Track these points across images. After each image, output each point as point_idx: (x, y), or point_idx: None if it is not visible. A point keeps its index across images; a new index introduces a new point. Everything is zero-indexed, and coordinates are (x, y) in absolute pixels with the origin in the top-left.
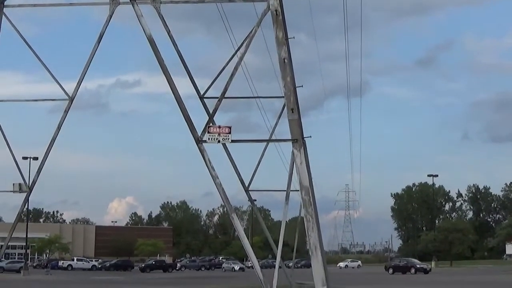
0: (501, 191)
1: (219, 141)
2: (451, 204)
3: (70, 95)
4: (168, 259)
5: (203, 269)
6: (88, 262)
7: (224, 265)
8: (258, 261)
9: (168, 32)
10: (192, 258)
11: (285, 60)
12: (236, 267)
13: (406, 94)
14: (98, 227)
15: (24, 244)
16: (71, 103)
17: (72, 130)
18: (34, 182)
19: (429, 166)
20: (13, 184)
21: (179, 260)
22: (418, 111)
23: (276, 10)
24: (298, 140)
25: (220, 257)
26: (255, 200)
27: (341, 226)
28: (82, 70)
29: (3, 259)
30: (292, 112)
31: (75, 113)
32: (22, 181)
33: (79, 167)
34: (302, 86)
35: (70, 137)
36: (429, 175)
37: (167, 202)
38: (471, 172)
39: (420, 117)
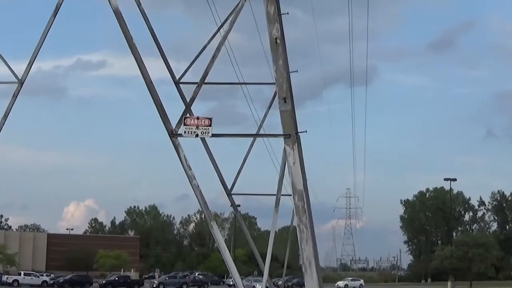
0: None
1: (197, 135)
2: (471, 213)
3: (20, 78)
4: (134, 275)
5: (185, 287)
6: (38, 277)
7: (245, 282)
8: (242, 279)
9: (139, 5)
10: (173, 273)
11: (277, 40)
12: (258, 286)
13: (419, 82)
14: (51, 235)
15: None
16: (21, 87)
17: (21, 119)
18: None
19: (446, 168)
20: None
21: (146, 276)
22: (433, 102)
23: None
24: (291, 135)
25: (196, 273)
26: (239, 206)
27: (340, 238)
28: (34, 48)
29: None
30: (285, 102)
31: (25, 98)
32: None
33: (28, 163)
34: (297, 71)
35: (18, 128)
36: (445, 179)
37: (134, 206)
38: (496, 176)
39: (436, 110)
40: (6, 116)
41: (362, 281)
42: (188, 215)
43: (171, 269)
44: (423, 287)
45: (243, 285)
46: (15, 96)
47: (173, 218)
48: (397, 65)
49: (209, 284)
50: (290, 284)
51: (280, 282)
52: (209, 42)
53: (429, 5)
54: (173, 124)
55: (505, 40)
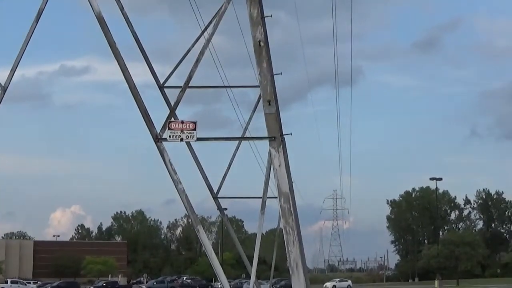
0: None
1: (182, 139)
2: (457, 212)
3: (3, 85)
4: (121, 280)
5: None
6: (25, 284)
7: (244, 286)
8: (229, 282)
9: (121, 9)
10: (161, 278)
11: (261, 43)
12: None
13: (404, 82)
14: (37, 243)
15: None
16: (4, 94)
17: (6, 126)
18: None
19: (432, 168)
20: None
21: (134, 282)
22: (419, 102)
23: None
24: (276, 138)
25: (184, 277)
26: (226, 209)
27: (328, 239)
28: (17, 54)
29: None
30: (269, 104)
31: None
32: None
33: (14, 170)
34: (281, 73)
35: (3, 134)
36: (431, 179)
37: (121, 212)
38: (481, 175)
39: (421, 110)
40: None
41: (350, 282)
42: (175, 220)
43: (159, 273)
44: (411, 286)
45: None
46: None
47: (160, 222)
48: (382, 65)
49: None
50: (278, 286)
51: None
52: (193, 45)
53: (414, 5)
54: (158, 129)
55: (490, 39)
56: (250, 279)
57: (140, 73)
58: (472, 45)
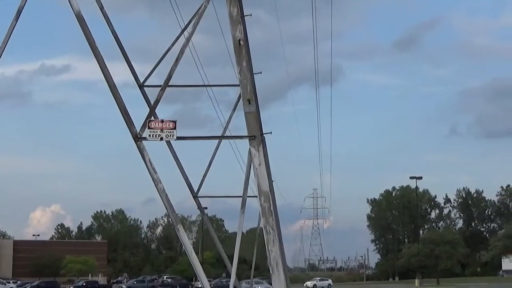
0: (496, 195)
1: (161, 138)
2: (437, 211)
3: None
4: (101, 280)
5: None
6: (5, 284)
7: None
8: (210, 281)
9: (101, 8)
10: (141, 277)
11: (241, 42)
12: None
13: (384, 81)
14: (17, 242)
15: None
16: None
17: None
18: None
19: (412, 167)
20: None
21: (114, 281)
22: (399, 101)
23: None
24: (256, 136)
25: (165, 276)
26: (206, 208)
27: (308, 239)
28: None
29: None
30: (249, 103)
31: None
32: None
33: None
34: (261, 72)
35: None
36: (411, 177)
37: (101, 211)
38: (461, 174)
39: (401, 109)
40: None
41: (330, 281)
42: (156, 219)
43: (139, 273)
44: (391, 285)
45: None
46: None
47: (140, 222)
48: (362, 64)
49: (178, 287)
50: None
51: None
52: (172, 44)
53: (394, 3)
54: (138, 128)
55: (469, 37)
56: (230, 278)
57: (120, 72)
58: (451, 43)
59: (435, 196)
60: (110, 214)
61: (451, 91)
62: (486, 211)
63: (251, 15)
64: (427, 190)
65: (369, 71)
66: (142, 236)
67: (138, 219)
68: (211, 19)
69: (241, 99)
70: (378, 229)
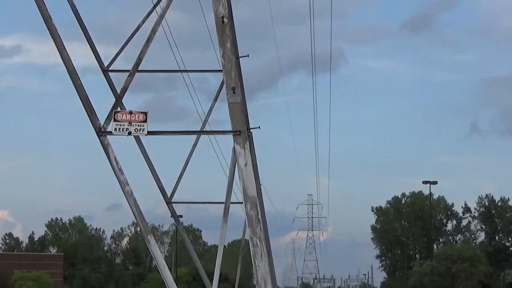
0: None
1: (130, 133)
2: (455, 222)
3: None
4: None
5: None
6: None
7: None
8: None
9: None
10: None
11: (224, 20)
12: None
13: (393, 68)
14: None
15: None
16: None
17: None
18: None
19: (425, 170)
20: None
21: None
22: (410, 92)
23: None
24: (242, 132)
25: None
26: (181, 216)
27: (302, 253)
28: None
29: None
30: (234, 92)
31: None
32: None
33: None
34: (248, 56)
35: None
36: (424, 182)
37: (56, 218)
38: (483, 178)
39: (413, 101)
40: None
41: None
42: (121, 228)
43: None
44: None
45: None
46: None
47: (103, 232)
48: (367, 48)
49: None
50: None
51: None
52: (143, 22)
53: None
54: (101, 120)
55: (494, 17)
56: None
57: (80, 55)
58: (472, 25)
59: (452, 205)
60: (67, 222)
61: (472, 81)
62: None
63: None
64: (443, 197)
65: (375, 57)
66: (105, 248)
67: (100, 229)
68: None
69: (224, 87)
70: (384, 242)
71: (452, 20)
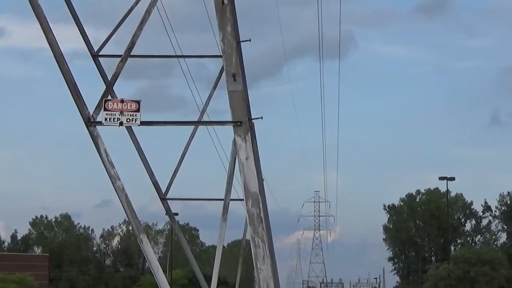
0: None
1: (121, 123)
2: (474, 222)
3: None
4: None
5: None
6: None
7: None
8: None
9: None
10: None
11: (224, 1)
12: None
13: (405, 54)
14: None
15: None
16: None
17: None
18: None
19: (442, 165)
20: None
21: None
22: (424, 80)
23: None
24: (243, 122)
25: None
26: (177, 214)
27: (307, 255)
28: None
29: None
30: (234, 79)
31: None
32: None
33: None
34: (250, 40)
35: None
36: (441, 178)
37: (41, 216)
38: (505, 174)
39: (427, 90)
40: None
41: None
42: (112, 227)
43: None
44: None
45: None
46: None
47: (92, 230)
48: (378, 32)
49: None
50: None
51: None
52: (136, 3)
53: None
54: (91, 110)
55: None
56: None
57: (68, 38)
58: (491, 7)
59: (471, 203)
60: (53, 220)
61: (491, 68)
62: None
63: None
64: (461, 194)
65: (387, 41)
66: (94, 249)
67: (89, 227)
68: None
69: (223, 74)
70: (397, 243)
71: (468, 2)
